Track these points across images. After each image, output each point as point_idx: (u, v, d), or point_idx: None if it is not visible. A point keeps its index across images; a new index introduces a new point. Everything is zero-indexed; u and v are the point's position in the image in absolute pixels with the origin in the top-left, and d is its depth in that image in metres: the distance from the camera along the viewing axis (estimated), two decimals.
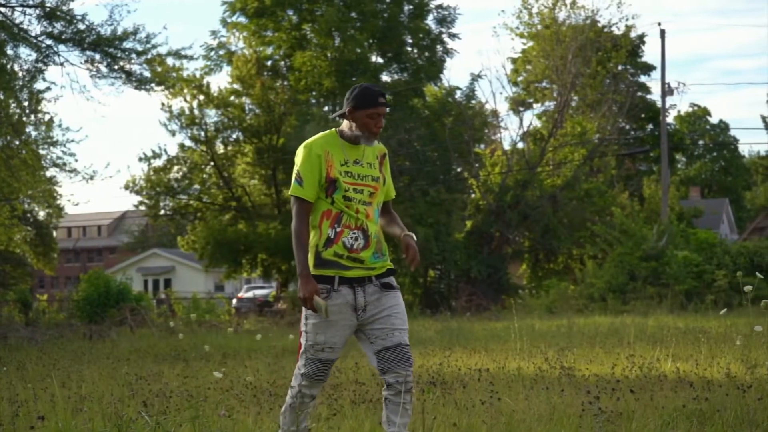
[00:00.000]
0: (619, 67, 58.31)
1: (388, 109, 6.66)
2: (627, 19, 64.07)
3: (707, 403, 8.36)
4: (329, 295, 6.42)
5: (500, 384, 10.63)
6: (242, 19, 46.72)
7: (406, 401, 6.54)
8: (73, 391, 10.66)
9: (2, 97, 33.34)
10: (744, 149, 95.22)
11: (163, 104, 45.07)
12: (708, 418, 7.87)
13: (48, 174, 42.33)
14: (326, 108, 46.56)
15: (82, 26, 32.57)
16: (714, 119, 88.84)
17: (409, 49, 47.26)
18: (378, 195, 6.67)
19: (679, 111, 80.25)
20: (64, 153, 39.14)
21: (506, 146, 47.91)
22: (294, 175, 6.58)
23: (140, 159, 46.05)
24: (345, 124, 6.66)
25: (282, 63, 47.57)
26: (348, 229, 6.50)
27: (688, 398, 8.79)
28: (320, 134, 6.67)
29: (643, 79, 63.48)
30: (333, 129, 6.70)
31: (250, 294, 54.42)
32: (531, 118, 57.93)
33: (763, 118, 57.66)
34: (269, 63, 47.61)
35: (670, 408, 8.29)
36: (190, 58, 38.27)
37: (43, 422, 7.24)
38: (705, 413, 7.99)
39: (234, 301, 50.92)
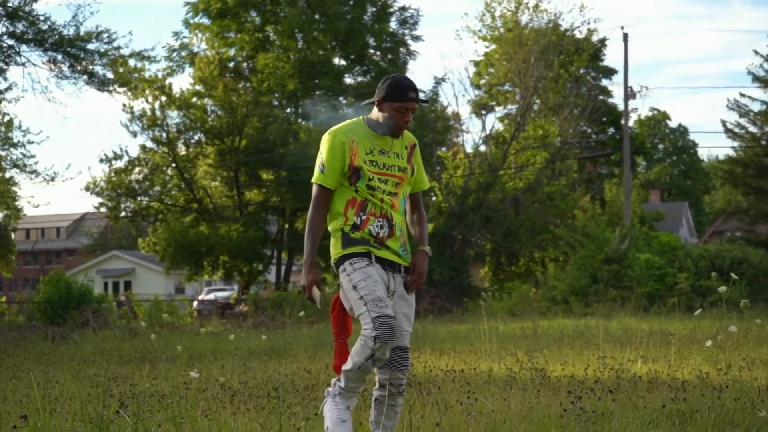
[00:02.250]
0: (581, 71, 58.48)
1: (418, 105, 6.54)
2: (589, 23, 64.18)
3: (686, 404, 8.36)
4: (372, 262, 6.35)
5: (475, 385, 10.60)
6: (205, 20, 46.59)
7: (397, 404, 6.50)
8: (47, 392, 10.55)
9: None
10: (703, 153, 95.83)
11: (124, 105, 44.86)
12: (688, 418, 7.87)
13: (7, 175, 42.11)
14: (289, 110, 46.47)
15: (44, 26, 32.40)
16: (673, 123, 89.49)
17: (372, 51, 47.25)
18: (404, 186, 6.56)
19: (639, 115, 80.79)
20: (24, 155, 38.97)
21: (468, 149, 48.05)
22: (318, 163, 6.49)
23: (101, 160, 45.80)
24: (374, 113, 6.55)
25: (245, 64, 47.47)
26: (373, 217, 6.42)
27: (666, 399, 8.79)
28: (347, 121, 6.56)
29: (604, 82, 63.80)
30: (361, 117, 6.60)
31: (211, 296, 54.17)
32: (493, 121, 58.00)
33: (723, 122, 57.96)
34: (232, 64, 47.51)
35: (649, 408, 8.29)
36: (153, 59, 38.12)
37: (26, 421, 7.16)
38: (685, 413, 7.99)
39: (195, 303, 50.67)
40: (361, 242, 6.39)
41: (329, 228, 6.54)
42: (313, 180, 6.48)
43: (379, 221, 6.43)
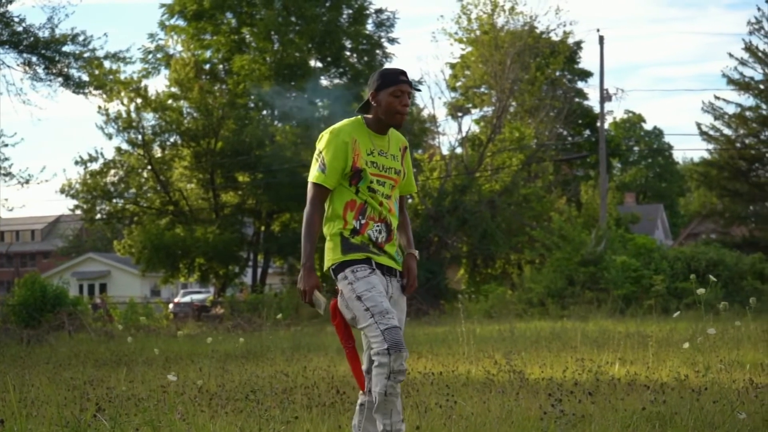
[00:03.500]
0: (557, 73, 58.56)
1: (413, 90, 6.37)
2: (565, 26, 64.40)
3: (665, 406, 8.36)
4: (374, 270, 6.18)
5: (453, 388, 10.58)
6: (181, 22, 46.50)
7: None
8: (23, 395, 10.47)
9: None
10: (678, 156, 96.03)
11: (100, 107, 44.67)
12: (668, 421, 7.86)
13: None
14: (265, 112, 46.38)
15: (19, 28, 32.25)
16: (648, 126, 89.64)
17: (348, 53, 47.25)
18: (396, 189, 6.44)
19: (614, 117, 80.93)
20: None
21: (445, 151, 48.01)
22: (318, 161, 6.28)
23: (76, 162, 45.61)
24: (370, 112, 6.38)
25: (221, 66, 47.36)
26: (372, 222, 6.26)
27: (646, 401, 8.79)
28: (346, 120, 6.38)
29: (580, 85, 63.90)
30: (359, 116, 6.42)
31: (187, 299, 54.02)
32: (469, 124, 58.03)
33: (698, 124, 58.12)
34: (208, 66, 47.38)
35: (629, 411, 8.28)
36: (128, 61, 37.98)
37: (2, 426, 7.09)
38: (664, 416, 7.98)
39: (170, 305, 50.51)
40: (360, 248, 6.22)
41: (325, 231, 6.34)
42: (312, 179, 6.27)
43: (378, 226, 6.28)
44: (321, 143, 6.30)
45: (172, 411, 7.88)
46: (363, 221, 6.25)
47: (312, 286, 6.12)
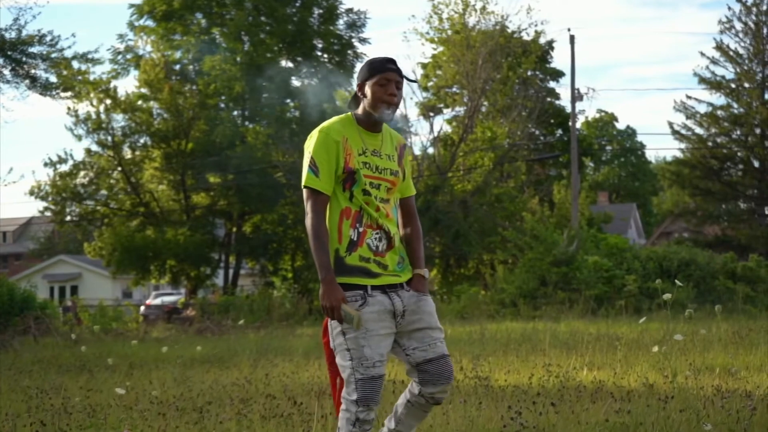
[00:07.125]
0: (529, 73, 58.49)
1: (402, 79, 5.91)
2: (536, 25, 64.42)
3: (629, 416, 8.15)
4: (365, 302, 5.59)
5: None
6: (150, 23, 46.20)
7: (429, 410, 5.99)
8: None
9: None
10: (650, 155, 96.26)
11: (69, 108, 44.34)
12: None
13: None
14: (236, 112, 46.15)
15: None
16: (621, 125, 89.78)
17: (320, 53, 47.08)
18: (395, 191, 5.90)
19: (587, 117, 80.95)
20: None
21: (417, 151, 47.84)
22: (308, 163, 5.71)
23: (45, 164, 45.32)
24: (360, 109, 5.87)
25: (191, 67, 47.06)
26: (370, 229, 5.71)
27: (610, 411, 8.58)
28: (336, 118, 5.86)
29: (552, 84, 63.85)
30: (349, 113, 5.91)
31: (158, 301, 53.69)
32: (441, 124, 57.91)
33: (670, 124, 58.17)
34: (178, 67, 47.06)
35: (592, 422, 8.06)
36: (97, 61, 37.65)
37: None
38: (629, 427, 7.77)
39: (142, 308, 50.19)
40: (355, 271, 5.67)
41: None
42: (306, 183, 5.70)
43: (377, 233, 5.73)
44: (310, 144, 5.79)
45: (120, 425, 7.64)
46: (361, 229, 5.72)
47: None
